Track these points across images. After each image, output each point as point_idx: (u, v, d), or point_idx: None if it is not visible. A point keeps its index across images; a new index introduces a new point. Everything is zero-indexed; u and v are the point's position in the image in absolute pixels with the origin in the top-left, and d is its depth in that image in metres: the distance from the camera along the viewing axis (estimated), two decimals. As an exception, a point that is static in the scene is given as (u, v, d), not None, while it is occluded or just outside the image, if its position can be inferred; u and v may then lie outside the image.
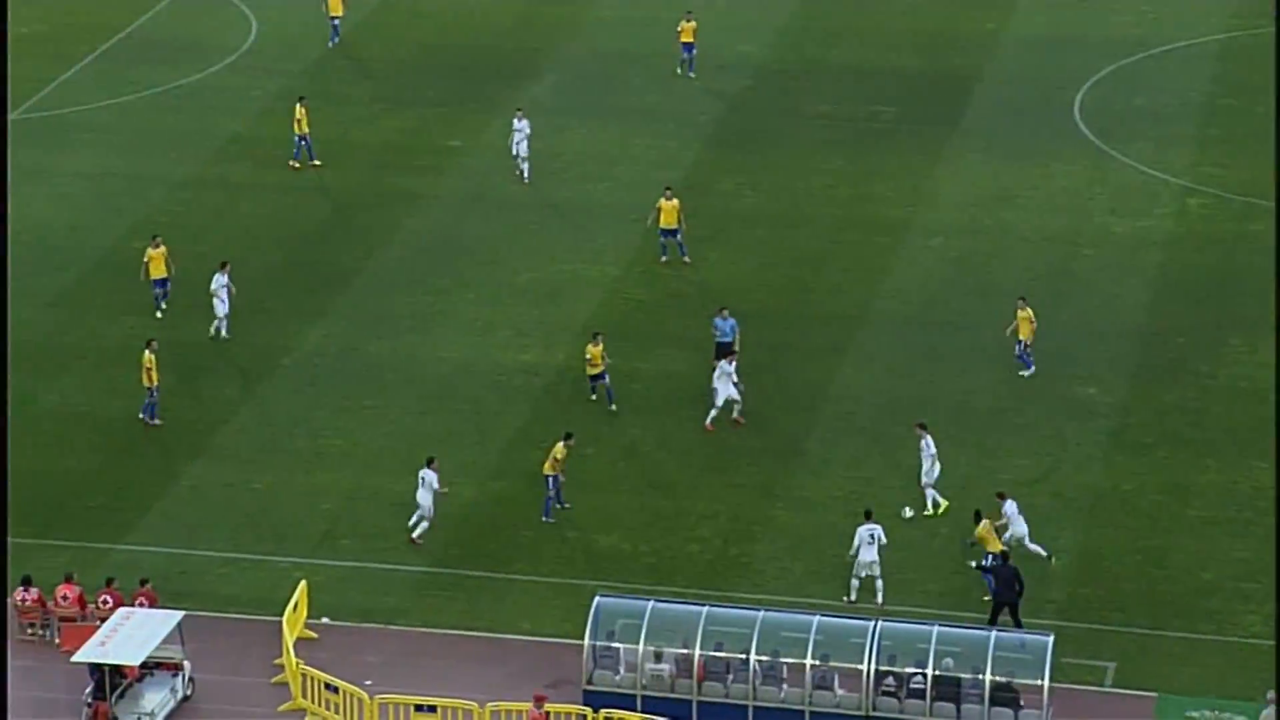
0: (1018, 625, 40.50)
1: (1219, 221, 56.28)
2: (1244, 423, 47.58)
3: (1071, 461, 46.43)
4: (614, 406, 47.48)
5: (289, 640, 39.93)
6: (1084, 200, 57.47)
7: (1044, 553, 42.77)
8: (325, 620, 41.85)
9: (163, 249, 51.61)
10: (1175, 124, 61.29)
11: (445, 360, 50.34)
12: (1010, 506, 42.77)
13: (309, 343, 51.34)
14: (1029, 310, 49.07)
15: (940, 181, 58.57)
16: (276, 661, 40.47)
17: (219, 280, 50.56)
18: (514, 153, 58.30)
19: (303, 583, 41.54)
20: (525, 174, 58.09)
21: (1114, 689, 40.00)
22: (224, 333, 50.58)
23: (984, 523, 42.17)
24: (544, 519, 44.43)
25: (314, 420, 48.32)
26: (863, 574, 41.96)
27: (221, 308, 50.54)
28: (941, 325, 51.60)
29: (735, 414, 47.42)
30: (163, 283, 51.47)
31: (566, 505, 44.61)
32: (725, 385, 47.27)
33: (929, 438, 44.39)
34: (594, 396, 48.01)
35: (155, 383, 47.49)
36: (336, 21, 66.65)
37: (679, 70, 63.57)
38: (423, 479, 43.98)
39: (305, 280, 53.61)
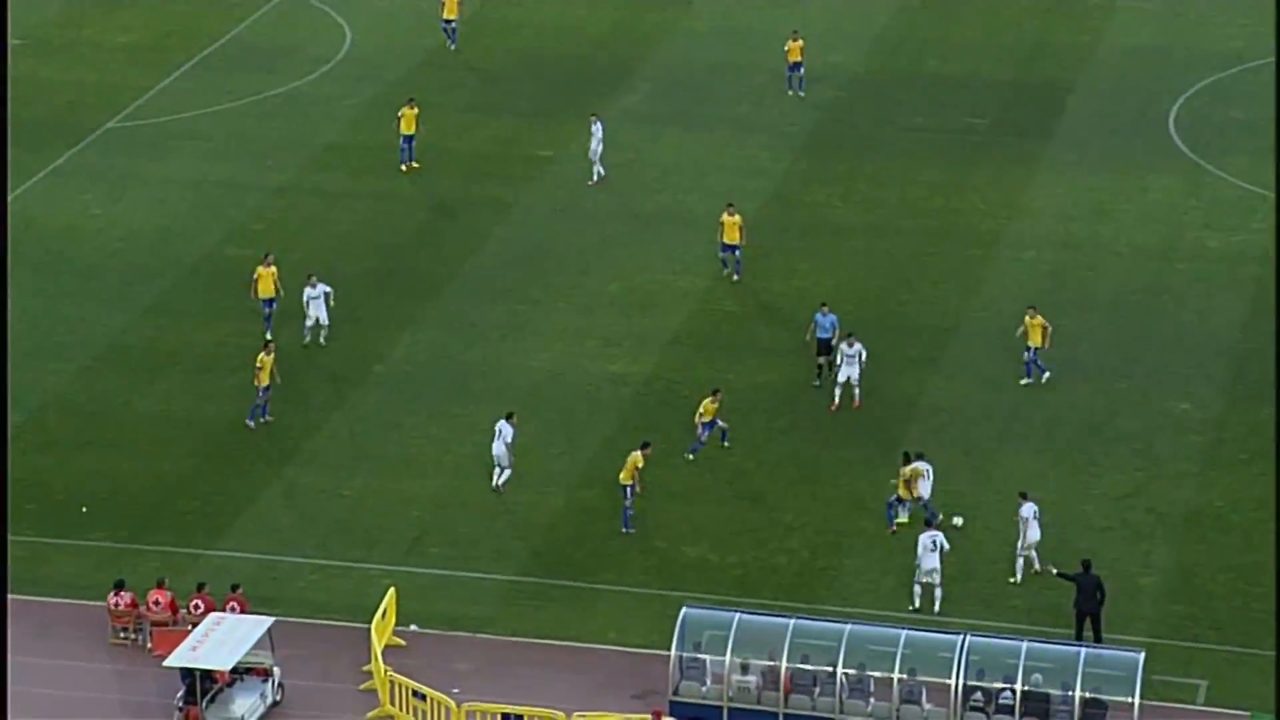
0: (1098, 636, 40.17)
1: (1317, 236, 55.62)
2: (1341, 440, 47.00)
3: (1165, 477, 46.02)
4: (727, 444, 47.03)
5: (377, 647, 40.13)
6: (1179, 214, 56.96)
7: (1037, 566, 42.26)
8: (413, 628, 42.03)
9: (274, 268, 51.31)
10: (1271, 138, 60.61)
11: (534, 369, 50.49)
12: (1028, 509, 42.38)
13: (400, 350, 51.62)
14: (1040, 318, 48.85)
15: (1034, 194, 58.20)
16: (365, 668, 40.68)
17: (309, 292, 50.69)
18: (591, 156, 58.64)
19: (391, 590, 41.74)
20: (595, 176, 58.38)
21: (1206, 707, 39.60)
22: (321, 339, 50.84)
23: (910, 467, 43.20)
24: (623, 529, 44.47)
25: (404, 427, 48.56)
26: (923, 580, 41.93)
27: (320, 315, 50.61)
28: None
29: (856, 398, 48.06)
30: (270, 302, 51.10)
31: (630, 512, 44.59)
32: (850, 366, 47.96)
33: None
34: (697, 451, 46.89)
35: (266, 383, 47.77)
36: (453, 24, 67.02)
37: (789, 90, 63.33)
38: (499, 430, 44.97)
39: (397, 287, 53.91)
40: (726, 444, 47.12)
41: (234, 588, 41.57)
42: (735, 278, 53.73)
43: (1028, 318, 49.09)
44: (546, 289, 54.14)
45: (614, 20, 69.67)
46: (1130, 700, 37.73)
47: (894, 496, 44.15)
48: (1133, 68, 65.15)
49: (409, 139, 59.66)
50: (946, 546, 42.02)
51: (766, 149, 61.03)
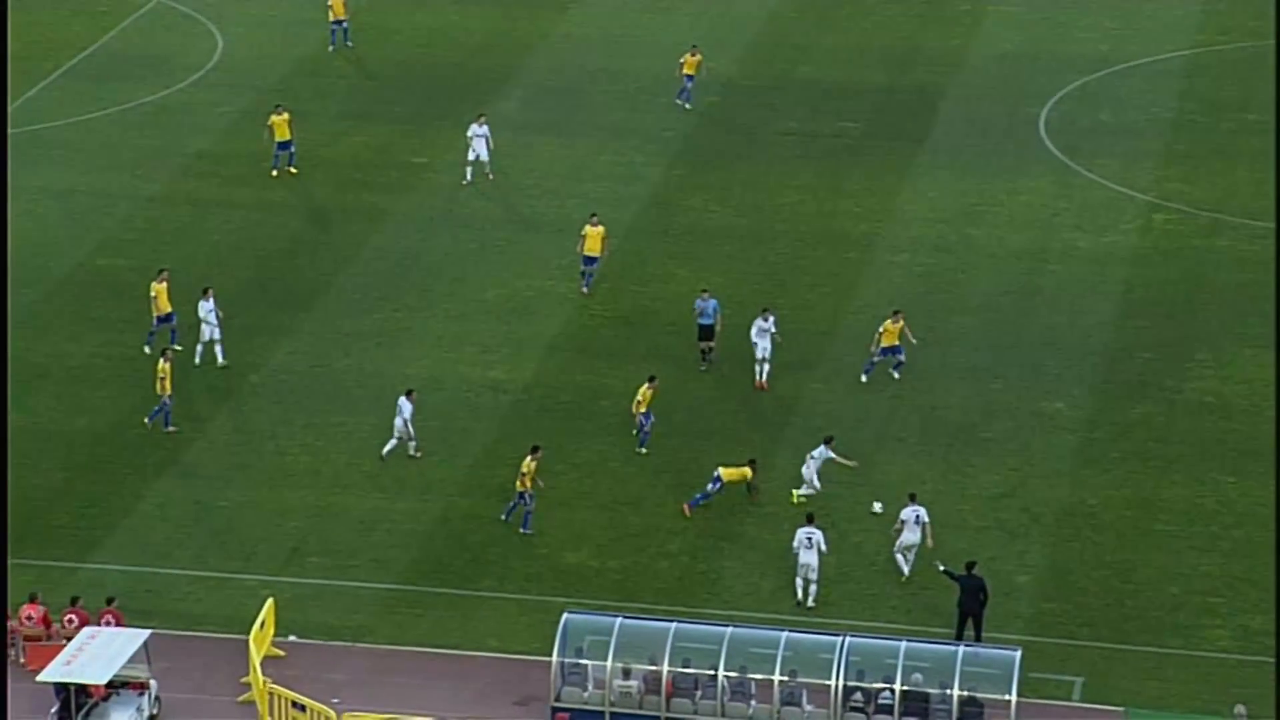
0: (978, 636, 40.58)
1: (1184, 237, 56.51)
2: (1209, 437, 47.77)
3: (1039, 476, 46.55)
4: (644, 450, 47.21)
5: (256, 658, 39.79)
6: (1050, 216, 57.66)
7: (906, 570, 42.68)
8: (292, 638, 41.72)
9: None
10: (1141, 140, 61.56)
11: (412, 377, 50.24)
12: (909, 512, 42.73)
13: (276, 360, 51.24)
14: (902, 323, 49.08)
15: (907, 197, 58.72)
16: (243, 680, 40.33)
17: (205, 306, 50.01)
18: (472, 157, 58.65)
19: (270, 600, 41.41)
20: (488, 172, 58.74)
21: (1082, 704, 40.07)
22: (220, 358, 50.18)
23: (735, 471, 44.50)
24: (522, 530, 44.39)
25: (281, 437, 48.21)
26: (803, 575, 42.31)
27: (211, 331, 50.08)
28: (908, 341, 51.65)
29: (762, 377, 48.84)
30: (169, 318, 50.29)
31: (505, 519, 44.61)
32: (763, 339, 48.72)
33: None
34: (642, 448, 47.38)
35: (169, 392, 47.43)
36: (344, 24, 67.03)
37: (678, 100, 63.47)
38: (399, 407, 46.00)
39: (272, 297, 53.51)
40: (643, 450, 47.10)
41: (109, 601, 41.07)
42: (584, 290, 53.55)
43: (889, 322, 49.32)
44: (423, 296, 53.95)
45: (488, 27, 69.57)
46: (1008, 698, 38.11)
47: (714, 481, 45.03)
48: (1002, 72, 65.89)
49: (283, 145, 59.24)
50: (824, 548, 42.28)
51: (642, 155, 61.17)
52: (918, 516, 42.80)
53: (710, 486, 45.19)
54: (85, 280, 54.60)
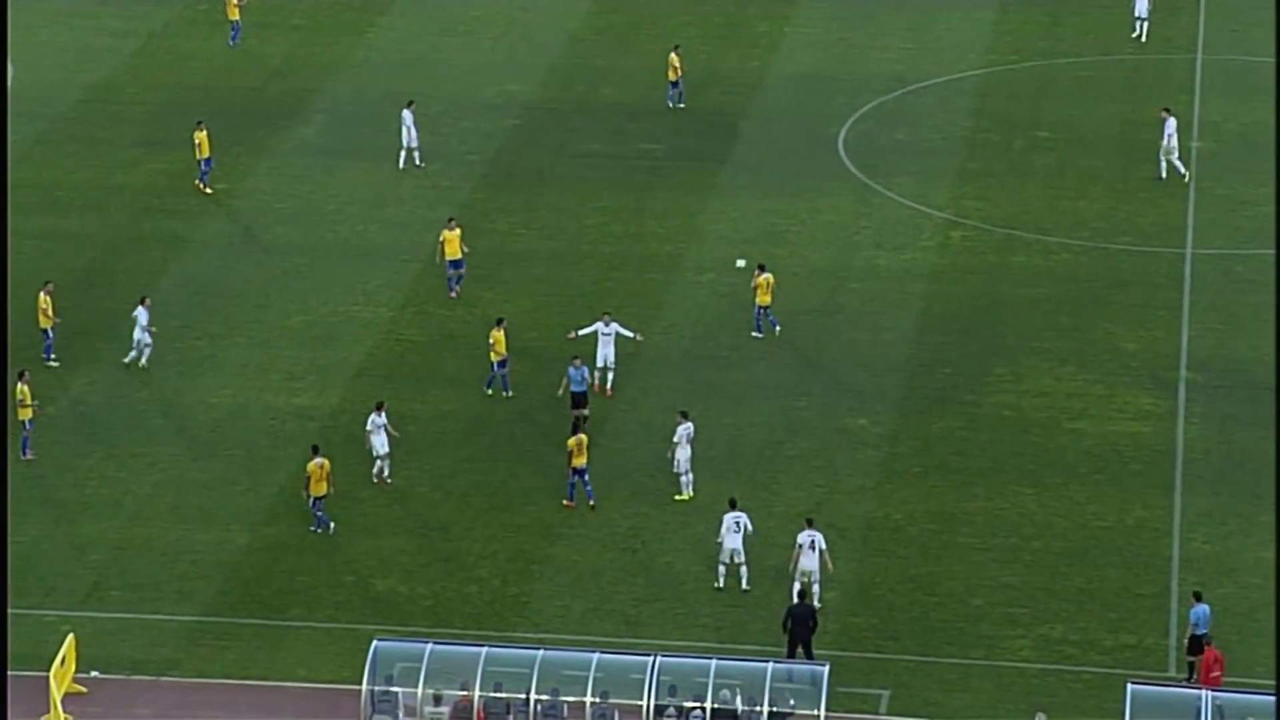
0: (810, 657, 40.80)
1: (981, 253, 57.54)
2: (1009, 450, 48.63)
3: (843, 492, 47.08)
4: (509, 394, 49.12)
5: (57, 695, 39.01)
6: (850, 234, 58.42)
7: (819, 602, 43.14)
8: (95, 674, 40.95)
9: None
10: (937, 158, 62.61)
11: (215, 405, 49.64)
12: (805, 536, 43.04)
13: (73, 391, 50.32)
14: (769, 275, 51.77)
15: (710, 218, 59.17)
16: (44, 718, 39.49)
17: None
18: (405, 144, 60.04)
19: (70, 636, 40.61)
20: (418, 160, 60.33)
21: (888, 716, 40.54)
22: (143, 361, 50.55)
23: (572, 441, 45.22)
24: (315, 529, 44.09)
25: (80, 470, 47.33)
26: (728, 560, 42.79)
27: (143, 337, 50.46)
28: (714, 359, 52.07)
29: (609, 383, 49.69)
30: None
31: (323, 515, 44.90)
32: (606, 347, 49.63)
33: (687, 424, 45.81)
34: (489, 390, 49.17)
35: (30, 415, 46.84)
36: (238, 24, 67.91)
37: (669, 104, 64.44)
38: (371, 423, 46.37)
39: (68, 327, 52.52)
40: (509, 394, 48.95)
41: (-97, 642, 40.02)
42: (453, 294, 54.05)
43: (756, 274, 51.96)
44: (225, 323, 53.32)
45: (285, 53, 69.01)
46: (816, 713, 38.44)
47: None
48: (801, 93, 66.68)
49: (207, 161, 58.96)
50: (750, 528, 42.99)
51: (446, 178, 61.01)
52: (813, 541, 42.85)
53: (573, 477, 45.83)
54: (-127, 313, 53.14)
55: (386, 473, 46.89)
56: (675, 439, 46.34)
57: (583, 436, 45.88)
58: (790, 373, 51.62)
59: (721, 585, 43.29)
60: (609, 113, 65.22)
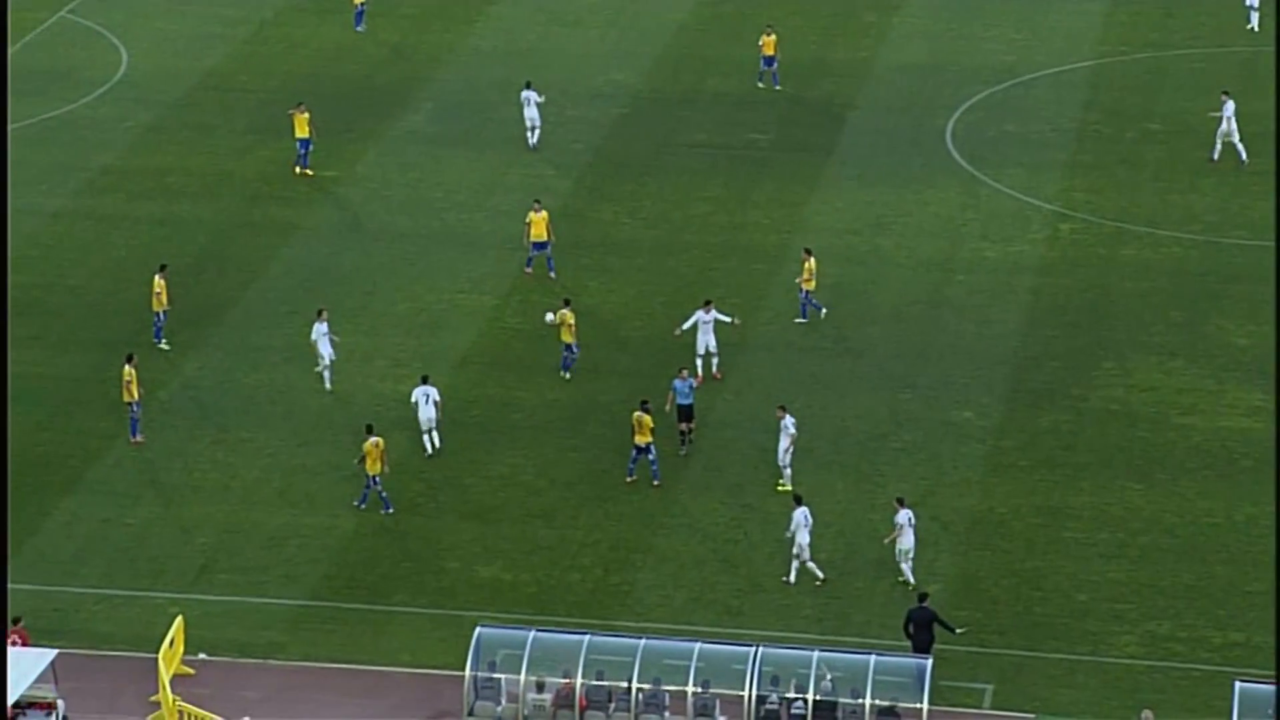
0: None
1: (1090, 246, 57.04)
2: (1116, 445, 48.21)
3: (948, 485, 46.83)
4: (567, 375, 49.69)
5: (165, 677, 39.47)
6: (957, 226, 58.07)
7: (911, 579, 43.03)
8: (202, 656, 41.40)
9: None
10: (1047, 150, 62.09)
11: (322, 391, 50.01)
12: (904, 515, 43.03)
13: (184, 375, 50.87)
14: (814, 261, 52.17)
15: (816, 208, 58.98)
16: (153, 699, 39.98)
17: (319, 329, 49.28)
18: (527, 122, 60.88)
19: (179, 618, 41.07)
20: (534, 140, 60.98)
21: (992, 711, 40.33)
22: (327, 383, 49.57)
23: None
24: (385, 510, 44.36)
25: (190, 454, 47.85)
26: (802, 556, 42.72)
27: (326, 355, 49.51)
28: (819, 351, 51.93)
29: (714, 367, 49.68)
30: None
31: (385, 494, 45.53)
32: (707, 334, 49.55)
33: (789, 418, 45.66)
34: (566, 374, 50.02)
35: (136, 398, 47.01)
36: (363, 8, 68.56)
37: (760, 83, 64.70)
38: (425, 395, 47.13)
39: (180, 313, 53.07)
40: (567, 375, 49.73)
41: (15, 620, 40.58)
42: (552, 275, 54.26)
43: (803, 257, 52.41)
44: (332, 310, 53.61)
45: (396, 41, 69.38)
46: (919, 706, 38.31)
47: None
48: (909, 83, 66.31)
49: (304, 143, 59.24)
50: (810, 521, 43.17)
51: (552, 167, 61.16)
52: (909, 519, 42.97)
53: (635, 454, 46.10)
54: (-11, 297, 53.97)
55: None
56: (781, 434, 46.01)
57: (643, 415, 45.83)
58: (895, 364, 51.39)
59: (793, 580, 43.05)
60: (716, 102, 65.12)
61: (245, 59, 67.91)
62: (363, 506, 45.56)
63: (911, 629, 40.54)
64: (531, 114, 61.13)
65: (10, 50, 67.89)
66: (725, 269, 55.82)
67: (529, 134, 61.39)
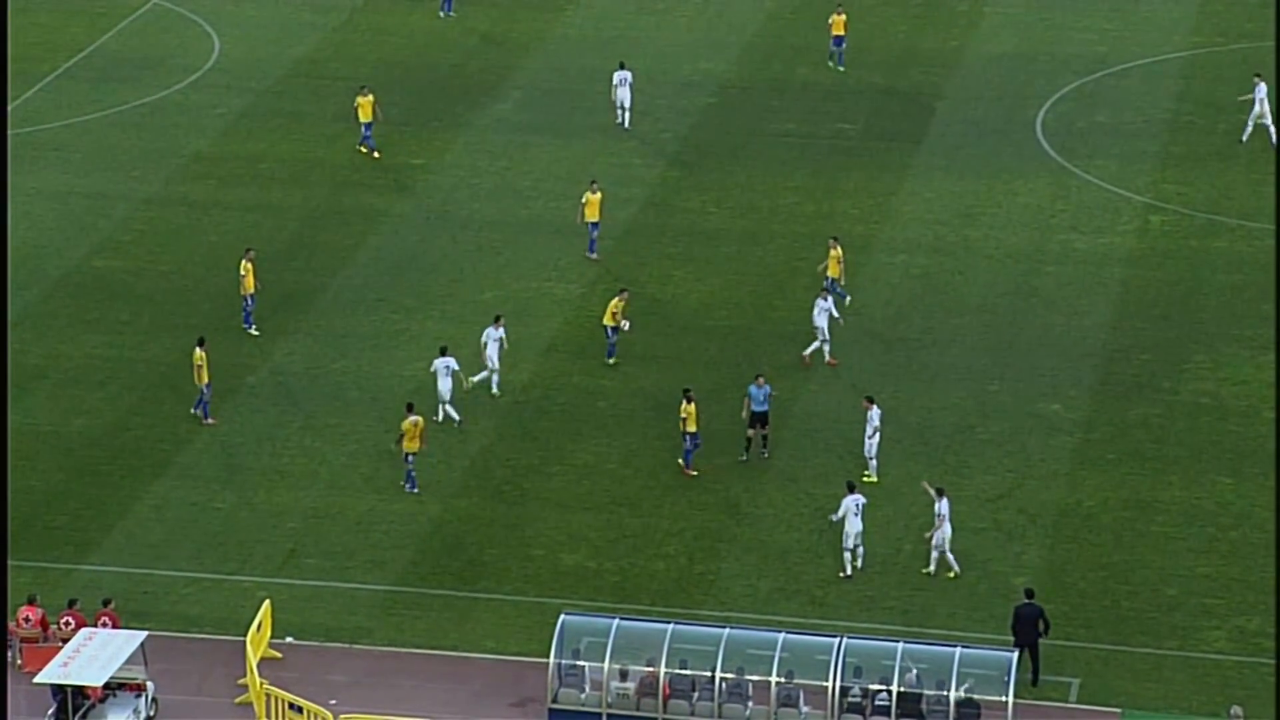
0: (1036, 667, 40.09)
1: (1181, 238, 56.53)
2: (1206, 439, 47.78)
3: (1036, 478, 46.55)
4: (612, 361, 49.65)
5: (253, 660, 39.78)
6: (1047, 217, 57.68)
7: (955, 568, 42.81)
8: (289, 640, 41.71)
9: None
10: (1138, 141, 61.58)
11: (409, 378, 50.25)
12: (944, 505, 42.82)
13: (273, 361, 51.23)
14: (839, 249, 51.81)
15: (904, 198, 58.73)
16: (240, 681, 40.32)
17: (491, 333, 49.31)
18: (617, 102, 61.30)
19: (266, 602, 41.39)
20: (626, 122, 61.32)
21: (1079, 705, 40.08)
22: (494, 388, 49.28)
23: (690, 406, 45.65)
24: (410, 489, 44.48)
25: (278, 439, 48.19)
26: (850, 544, 42.69)
27: (493, 360, 49.26)
28: (906, 342, 51.73)
29: (826, 354, 49.93)
30: (252, 298, 51.50)
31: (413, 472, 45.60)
32: (821, 317, 49.77)
33: (875, 409, 45.50)
34: (612, 360, 50.00)
35: (206, 381, 47.46)
36: None
37: (830, 63, 64.99)
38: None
39: (269, 298, 53.48)
40: (612, 361, 49.42)
41: (105, 603, 41.05)
42: (593, 256, 54.36)
43: (831, 246, 52.13)
44: (420, 298, 53.94)
45: (484, 29, 69.57)
46: (1004, 699, 38.11)
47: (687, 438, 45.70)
48: (999, 73, 65.91)
49: (369, 126, 59.81)
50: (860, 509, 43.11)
51: (639, 156, 61.16)
52: (947, 509, 43.00)
53: (688, 443, 45.96)
54: (82, 282, 54.59)
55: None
56: (867, 425, 45.86)
57: (692, 407, 45.79)
58: (983, 356, 51.12)
59: (850, 573, 42.87)
60: (804, 92, 64.94)
61: (336, 46, 68.27)
62: (415, 490, 45.61)
63: (1016, 625, 40.04)
64: (624, 95, 61.23)
65: (105, 36, 68.60)
66: (813, 259, 55.63)
67: (620, 114, 61.41)
